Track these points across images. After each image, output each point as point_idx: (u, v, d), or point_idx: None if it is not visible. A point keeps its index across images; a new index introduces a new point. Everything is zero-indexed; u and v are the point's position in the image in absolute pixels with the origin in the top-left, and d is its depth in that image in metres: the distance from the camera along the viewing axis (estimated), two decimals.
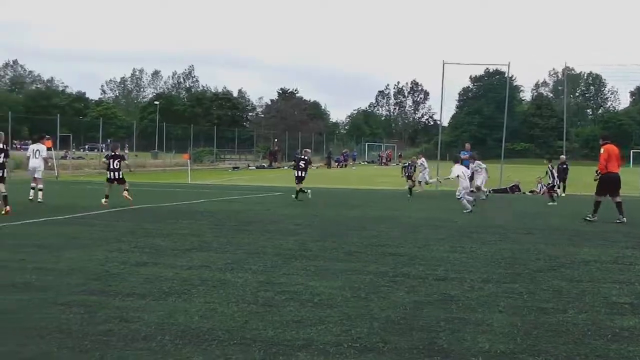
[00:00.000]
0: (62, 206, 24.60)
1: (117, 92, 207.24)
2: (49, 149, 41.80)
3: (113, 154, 26.31)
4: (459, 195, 26.10)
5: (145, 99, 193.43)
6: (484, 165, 32.93)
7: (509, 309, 9.85)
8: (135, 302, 9.79)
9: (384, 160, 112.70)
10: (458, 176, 26.41)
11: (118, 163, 25.72)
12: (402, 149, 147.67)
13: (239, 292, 10.63)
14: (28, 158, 28.22)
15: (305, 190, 29.67)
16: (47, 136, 35.49)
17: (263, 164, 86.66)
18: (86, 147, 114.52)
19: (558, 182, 34.21)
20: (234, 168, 75.12)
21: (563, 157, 41.37)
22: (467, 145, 40.47)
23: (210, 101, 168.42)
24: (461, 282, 11.77)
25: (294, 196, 29.93)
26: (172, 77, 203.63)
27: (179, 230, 18.45)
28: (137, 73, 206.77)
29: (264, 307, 9.71)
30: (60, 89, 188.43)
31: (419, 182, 38.49)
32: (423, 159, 41.32)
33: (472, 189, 29.57)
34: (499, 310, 9.76)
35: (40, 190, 26.96)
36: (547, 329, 8.81)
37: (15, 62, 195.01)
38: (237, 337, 8.18)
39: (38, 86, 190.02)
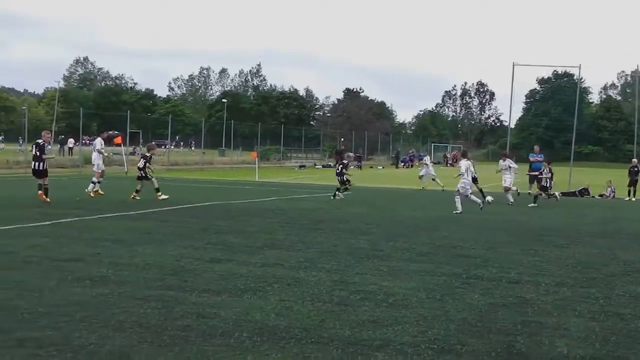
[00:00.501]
0: (133, 202, 24.90)
1: (184, 89, 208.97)
2: (117, 144, 42.48)
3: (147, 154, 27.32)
4: (457, 193, 25.49)
5: (212, 97, 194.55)
6: (514, 165, 32.14)
7: (585, 314, 9.74)
8: (212, 299, 9.87)
9: (449, 161, 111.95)
10: (461, 174, 25.59)
11: (143, 162, 26.83)
12: (469, 150, 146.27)
13: (313, 290, 10.67)
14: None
15: (337, 193, 29.33)
16: (116, 132, 36.25)
17: (329, 163, 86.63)
18: (152, 143, 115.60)
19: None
20: (300, 166, 75.25)
21: (635, 160, 40.61)
22: (536, 148, 40.05)
23: (277, 100, 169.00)
24: (535, 286, 11.66)
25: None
26: (239, 75, 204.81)
27: (250, 227, 18.56)
28: (204, 71, 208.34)
29: (340, 306, 9.72)
30: (129, 85, 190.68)
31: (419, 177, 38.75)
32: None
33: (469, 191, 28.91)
34: (575, 315, 9.66)
35: (93, 182, 27.91)
36: (626, 335, 8.69)
37: (85, 59, 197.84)
38: (314, 335, 8.20)
39: (107, 83, 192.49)
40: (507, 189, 31.23)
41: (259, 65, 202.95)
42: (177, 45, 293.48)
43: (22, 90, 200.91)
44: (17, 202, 23.79)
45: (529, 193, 35.90)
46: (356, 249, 15.23)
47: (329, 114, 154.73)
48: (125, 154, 49.52)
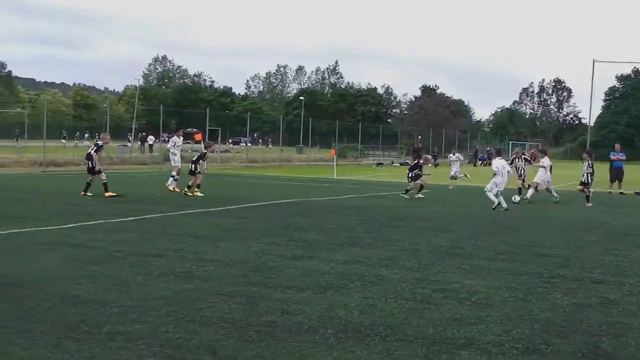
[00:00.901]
0: (214, 198, 25.15)
1: (262, 87, 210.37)
2: (198, 141, 43.10)
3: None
4: (487, 190, 24.85)
5: (289, 95, 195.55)
6: (547, 163, 29.75)
7: None
8: (296, 295, 9.94)
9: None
10: (494, 172, 24.83)
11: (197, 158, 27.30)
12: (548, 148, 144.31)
13: (396, 288, 10.67)
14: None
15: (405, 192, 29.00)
16: (195, 130, 36.80)
17: (407, 161, 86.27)
18: (230, 141, 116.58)
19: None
20: (377, 164, 75.06)
21: None
22: (617, 146, 39.30)
23: (354, 97, 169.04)
24: (619, 286, 11.48)
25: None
26: (316, 73, 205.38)
27: (330, 225, 18.63)
28: (281, 69, 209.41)
29: (422, 304, 9.72)
30: (208, 83, 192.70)
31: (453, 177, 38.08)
32: (458, 154, 41.07)
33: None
34: None
35: (172, 177, 28.66)
36: None
37: (164, 57, 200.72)
38: (398, 333, 8.21)
39: (185, 81, 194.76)
40: (547, 189, 29.48)
41: (336, 62, 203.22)
42: (255, 43, 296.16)
43: (102, 89, 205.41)
44: (100, 197, 24.23)
45: (609, 192, 35.32)
46: (437, 246, 15.18)
47: (406, 112, 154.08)
48: (216, 152, 50.17)
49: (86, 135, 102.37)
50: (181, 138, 31.68)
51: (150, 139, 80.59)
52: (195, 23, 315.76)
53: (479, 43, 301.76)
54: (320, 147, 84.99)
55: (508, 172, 25.91)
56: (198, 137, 47.42)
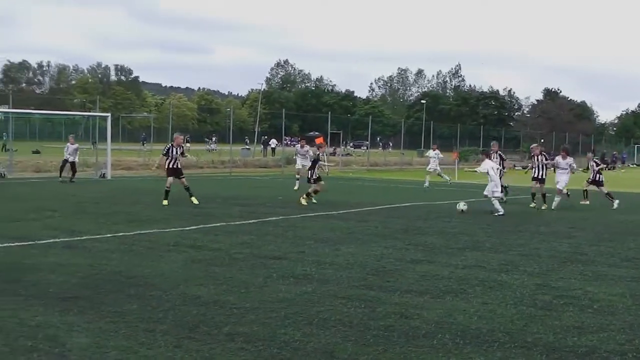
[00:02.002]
0: (335, 201, 25.23)
1: (383, 90, 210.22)
2: (319, 145, 43.42)
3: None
4: (486, 194, 23.26)
5: (410, 98, 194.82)
6: (571, 165, 26.82)
7: None
8: (414, 299, 9.91)
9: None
10: (487, 173, 23.16)
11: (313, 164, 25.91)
12: None
13: (515, 294, 10.52)
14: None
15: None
16: (317, 133, 37.11)
17: (528, 164, 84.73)
18: (351, 144, 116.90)
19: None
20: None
21: None
22: None
23: (476, 100, 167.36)
24: None
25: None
26: (437, 76, 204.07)
27: (450, 228, 18.50)
28: (402, 72, 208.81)
29: (543, 310, 9.55)
30: (330, 87, 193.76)
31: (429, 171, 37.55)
32: (437, 151, 39.67)
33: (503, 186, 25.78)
34: None
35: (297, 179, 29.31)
36: None
37: (286, 62, 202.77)
38: (517, 340, 8.09)
39: (307, 85, 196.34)
40: (559, 192, 26.36)
41: (458, 65, 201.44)
42: (377, 47, 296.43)
43: (226, 93, 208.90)
44: (222, 200, 24.64)
45: None
46: (558, 252, 14.89)
47: (528, 115, 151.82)
48: (325, 155, 50.35)
49: (214, 139, 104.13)
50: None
51: (273, 142, 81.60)
52: (316, 27, 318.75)
53: (603, 44, 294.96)
54: (442, 150, 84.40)
55: (500, 170, 24.53)
56: (319, 140, 47.68)
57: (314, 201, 24.41)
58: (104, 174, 37.03)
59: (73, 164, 33.44)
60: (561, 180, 26.26)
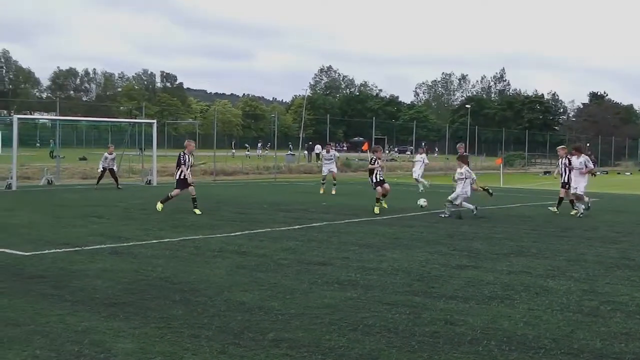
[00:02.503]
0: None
1: (427, 95, 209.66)
2: (364, 151, 43.51)
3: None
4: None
5: (455, 102, 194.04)
6: (586, 164, 24.81)
7: None
8: (459, 305, 9.85)
9: None
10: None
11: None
12: None
13: (562, 300, 10.42)
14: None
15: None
16: (362, 139, 37.27)
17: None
18: (395, 149, 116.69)
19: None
20: (544, 172, 73.41)
21: None
22: None
23: (521, 104, 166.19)
24: None
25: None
26: (481, 81, 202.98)
27: (495, 234, 18.38)
28: (446, 77, 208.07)
29: (590, 316, 9.45)
30: (374, 92, 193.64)
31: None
32: (424, 155, 38.98)
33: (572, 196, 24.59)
34: None
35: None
36: None
37: (329, 67, 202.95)
38: (563, 346, 8.01)
39: (352, 90, 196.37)
40: (578, 197, 24.51)
41: (502, 70, 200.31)
42: (420, 51, 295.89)
43: (270, 99, 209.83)
44: (267, 205, 24.73)
45: None
46: (605, 257, 14.72)
47: (573, 119, 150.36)
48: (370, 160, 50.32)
49: (259, 144, 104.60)
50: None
51: (317, 148, 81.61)
52: (360, 32, 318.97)
53: None
54: (487, 155, 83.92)
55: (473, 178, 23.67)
56: (365, 147, 47.90)
57: (385, 205, 24.28)
58: (150, 180, 37.30)
59: (112, 171, 33.72)
60: (579, 184, 24.55)
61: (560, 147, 27.14)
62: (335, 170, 33.04)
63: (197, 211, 22.22)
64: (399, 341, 8.08)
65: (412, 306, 9.74)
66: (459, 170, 23.37)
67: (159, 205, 22.72)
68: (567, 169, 25.40)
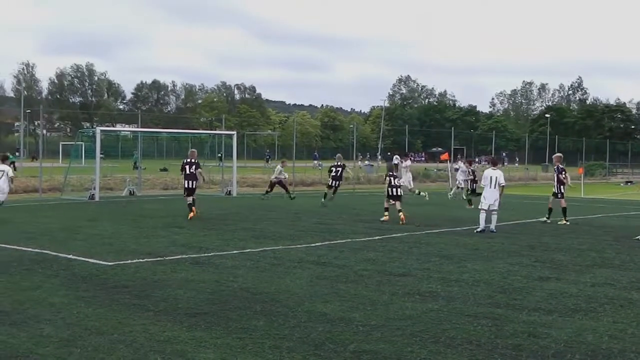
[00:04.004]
0: (459, 217, 25.06)
1: (506, 104, 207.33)
2: (443, 161, 43.28)
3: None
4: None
5: (534, 112, 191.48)
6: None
7: None
8: (542, 318, 9.72)
9: None
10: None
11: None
12: None
13: None
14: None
15: None
16: (440, 149, 37.20)
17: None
18: (476, 160, 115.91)
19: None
20: (626, 182, 72.04)
21: None
22: None
23: (601, 113, 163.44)
24: None
25: None
26: (560, 90, 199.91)
27: (578, 245, 18.10)
28: (526, 85, 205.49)
29: None
30: (452, 102, 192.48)
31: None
32: (408, 161, 37.51)
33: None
34: None
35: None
36: None
37: (407, 77, 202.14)
38: None
39: (430, 100, 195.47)
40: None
41: (579, 78, 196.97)
42: (498, 60, 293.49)
43: (349, 110, 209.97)
44: (346, 216, 24.74)
45: None
46: None
47: None
48: (449, 170, 50.06)
49: (337, 155, 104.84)
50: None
51: (396, 158, 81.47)
52: (437, 42, 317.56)
53: None
54: (567, 165, 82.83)
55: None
56: (444, 157, 47.80)
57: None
58: (229, 191, 37.62)
59: (281, 182, 34.56)
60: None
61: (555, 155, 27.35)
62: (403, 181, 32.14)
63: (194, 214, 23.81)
64: (482, 354, 8.01)
65: (494, 318, 9.64)
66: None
67: (191, 214, 23.73)
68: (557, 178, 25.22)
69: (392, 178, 24.76)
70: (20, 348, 8.07)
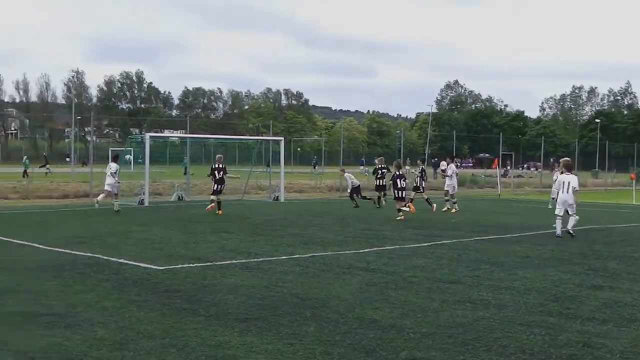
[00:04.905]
0: (509, 224, 24.83)
1: (554, 109, 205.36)
2: (493, 168, 43.10)
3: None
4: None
5: (584, 117, 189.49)
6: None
7: None
8: (597, 327, 9.56)
9: None
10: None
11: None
12: None
13: None
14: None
15: None
16: (487, 155, 37.12)
17: None
18: (524, 165, 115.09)
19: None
20: None
21: None
22: None
23: None
24: None
25: None
26: (610, 94, 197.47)
27: (632, 253, 17.82)
28: (575, 90, 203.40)
29: None
30: (500, 107, 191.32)
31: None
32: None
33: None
34: None
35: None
36: None
37: (455, 82, 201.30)
38: None
39: (477, 105, 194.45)
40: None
41: (628, 83, 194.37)
42: (547, 64, 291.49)
43: (395, 115, 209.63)
44: (395, 222, 24.67)
45: None
46: None
47: None
48: (498, 176, 49.86)
49: (379, 158, 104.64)
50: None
51: (443, 164, 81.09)
52: (484, 47, 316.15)
53: None
54: (617, 171, 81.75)
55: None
56: (495, 164, 47.81)
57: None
58: (277, 196, 37.68)
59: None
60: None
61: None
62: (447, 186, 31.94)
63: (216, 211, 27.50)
64: None
65: (547, 327, 9.51)
66: None
67: (219, 212, 27.41)
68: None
69: (398, 180, 25.83)
70: (74, 351, 8.13)
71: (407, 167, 38.16)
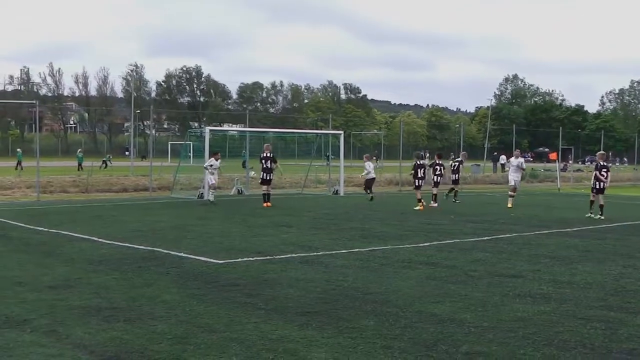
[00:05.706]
0: (569, 218, 24.61)
1: (614, 104, 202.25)
2: (552, 160, 42.67)
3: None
4: None
5: None
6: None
7: None
8: None
9: None
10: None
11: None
12: None
13: None
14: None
15: None
16: (546, 149, 36.85)
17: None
18: (586, 159, 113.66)
19: None
20: None
21: None
22: None
23: None
24: None
25: None
26: None
27: None
28: (635, 84, 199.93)
29: None
30: (559, 101, 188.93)
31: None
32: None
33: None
34: None
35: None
36: None
37: (515, 76, 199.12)
38: None
39: (536, 100, 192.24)
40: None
41: None
42: (606, 58, 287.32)
43: (454, 109, 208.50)
44: (455, 216, 24.61)
45: None
46: None
47: None
48: (558, 170, 49.34)
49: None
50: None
51: (502, 158, 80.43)
52: (544, 40, 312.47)
53: None
54: None
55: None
56: (553, 156, 47.19)
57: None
58: (337, 190, 37.78)
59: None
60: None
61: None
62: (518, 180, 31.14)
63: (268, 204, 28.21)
64: (596, 357, 7.89)
65: (608, 321, 9.47)
66: None
67: (267, 204, 28.21)
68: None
69: (419, 169, 28.12)
70: (135, 344, 8.28)
71: (425, 160, 37.70)
